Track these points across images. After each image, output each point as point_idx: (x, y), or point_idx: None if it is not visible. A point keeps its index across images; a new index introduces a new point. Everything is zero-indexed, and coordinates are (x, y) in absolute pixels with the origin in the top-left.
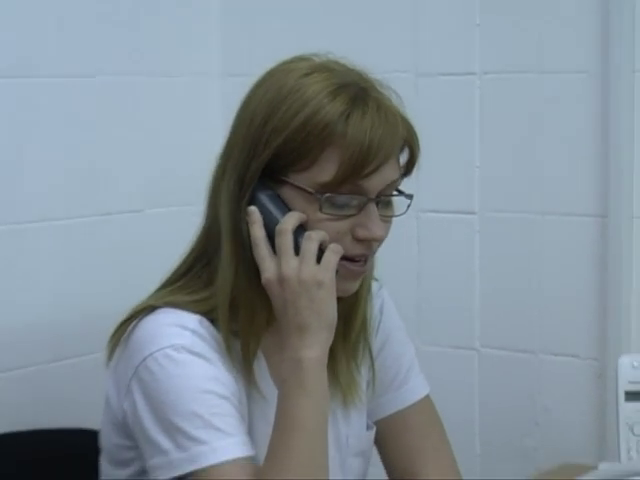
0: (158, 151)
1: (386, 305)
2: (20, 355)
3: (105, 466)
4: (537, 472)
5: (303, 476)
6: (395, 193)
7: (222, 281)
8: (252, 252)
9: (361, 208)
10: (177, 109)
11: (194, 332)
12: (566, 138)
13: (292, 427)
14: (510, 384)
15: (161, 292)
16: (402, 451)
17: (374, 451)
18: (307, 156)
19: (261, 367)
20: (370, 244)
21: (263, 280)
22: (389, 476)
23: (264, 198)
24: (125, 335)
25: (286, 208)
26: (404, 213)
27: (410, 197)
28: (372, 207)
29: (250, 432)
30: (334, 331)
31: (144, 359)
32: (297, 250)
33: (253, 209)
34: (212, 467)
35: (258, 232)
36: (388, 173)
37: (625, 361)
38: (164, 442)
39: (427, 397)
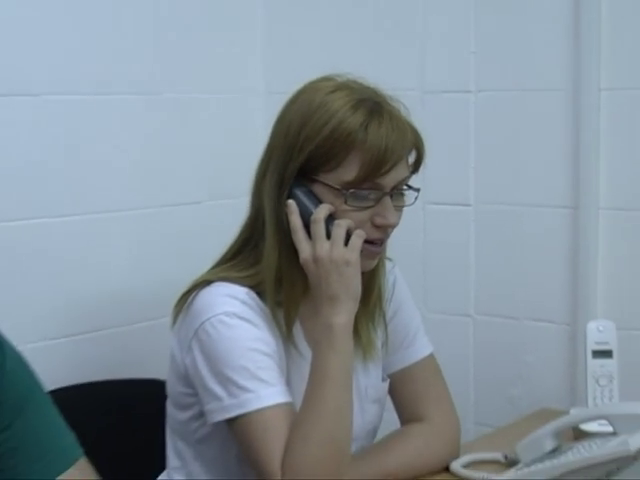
0: (212, 154)
1: (398, 281)
2: (104, 319)
3: (170, 409)
4: (520, 416)
5: (332, 419)
6: (405, 187)
7: (267, 261)
8: (291, 237)
9: (378, 200)
10: (227, 121)
11: (243, 301)
12: (545, 143)
13: (324, 379)
14: (499, 344)
15: (215, 269)
16: (410, 398)
17: (387, 399)
18: (334, 159)
19: (297, 330)
20: (386, 230)
21: (301, 260)
22: (400, 419)
23: (300, 193)
24: (186, 304)
25: (318, 201)
26: (413, 203)
27: (418, 190)
28: (387, 200)
29: (287, 384)
30: (359, 301)
31: (202, 323)
32: (328, 235)
33: (291, 202)
34: (257, 411)
35: (296, 221)
36: (400, 172)
37: (592, 326)
38: (218, 390)
39: (431, 355)
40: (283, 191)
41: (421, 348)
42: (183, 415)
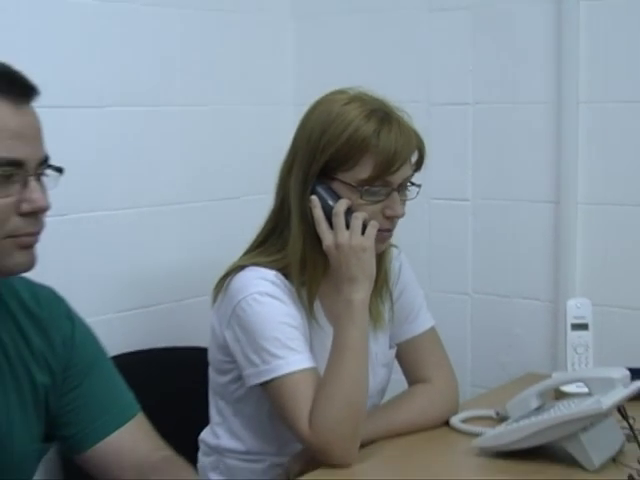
0: (249, 157)
1: (404, 266)
2: (158, 296)
3: (212, 374)
4: (510, 379)
5: (352, 382)
6: (410, 184)
7: (293, 247)
8: (315, 227)
9: (388, 195)
10: (262, 128)
11: (272, 282)
12: (531, 148)
13: (344, 348)
14: (492, 319)
15: (246, 256)
16: (415, 364)
17: (395, 363)
18: (351, 160)
19: (318, 307)
20: (394, 220)
21: (324, 247)
22: (407, 381)
23: (321, 190)
24: (224, 286)
25: (337, 197)
26: (415, 197)
27: (419, 186)
28: (395, 194)
29: (310, 352)
30: (374, 281)
31: (239, 302)
32: (347, 225)
33: (315, 198)
34: (287, 375)
35: (319, 213)
36: (406, 170)
37: (571, 303)
38: (254, 358)
39: (432, 328)
40: (307, 188)
41: (424, 322)
42: (223, 379)
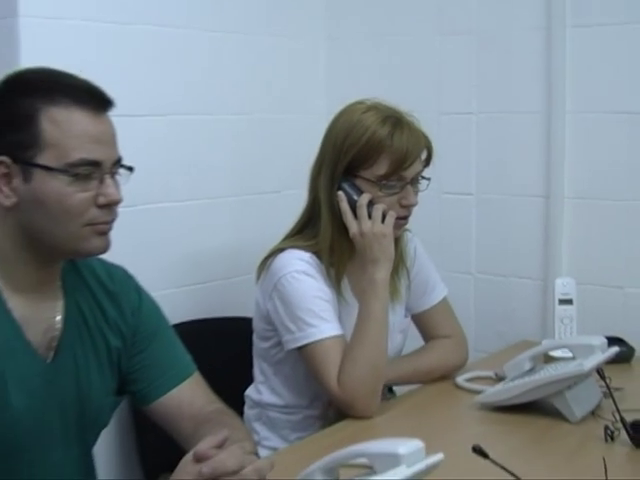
0: (287, 158)
1: (418, 249)
2: (211, 274)
3: (255, 340)
4: (506, 345)
5: (373, 347)
6: (421, 177)
7: (324, 235)
8: (342, 218)
9: (402, 188)
10: (298, 134)
11: (307, 262)
12: (525, 150)
13: (368, 319)
14: (492, 294)
15: (285, 241)
16: (433, 326)
17: (410, 332)
18: (370, 160)
19: (345, 285)
20: (409, 208)
21: (351, 234)
22: (425, 341)
23: (346, 186)
24: (266, 265)
25: (360, 191)
26: (426, 189)
27: (429, 179)
28: (409, 187)
29: (339, 323)
30: (392, 262)
31: (279, 278)
32: (369, 216)
33: (341, 193)
34: (319, 340)
35: (345, 206)
36: (417, 167)
37: (559, 282)
38: (291, 326)
39: (445, 298)
40: (334, 185)
41: (439, 294)
42: (265, 344)
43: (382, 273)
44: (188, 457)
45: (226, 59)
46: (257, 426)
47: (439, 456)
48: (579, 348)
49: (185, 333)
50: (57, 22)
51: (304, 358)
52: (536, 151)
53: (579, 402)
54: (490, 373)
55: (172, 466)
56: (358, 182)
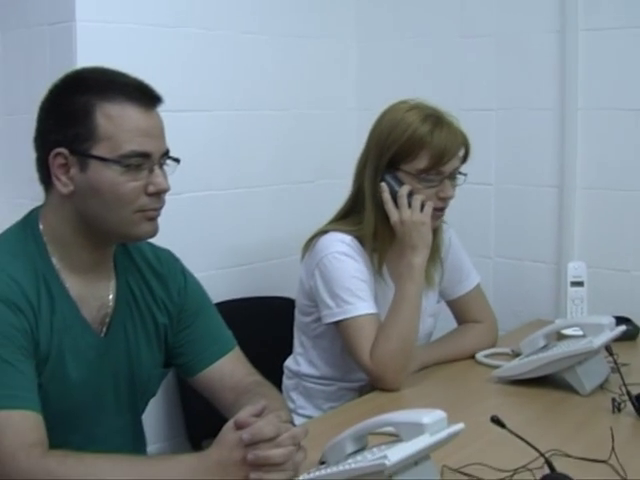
0: (321, 150)
1: (453, 239)
2: (252, 256)
3: (297, 315)
4: (522, 324)
5: (406, 326)
6: (458, 173)
7: (368, 222)
8: (384, 207)
9: (441, 182)
10: (331, 128)
11: (348, 245)
12: (540, 143)
13: (403, 300)
14: (509, 277)
15: (329, 225)
16: (466, 312)
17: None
18: (411, 155)
19: (384, 268)
20: (446, 201)
21: (392, 222)
22: (458, 323)
23: (389, 178)
24: (311, 245)
25: (401, 183)
26: (463, 183)
27: (465, 175)
28: (447, 181)
29: (375, 302)
30: (430, 249)
31: (321, 258)
32: (409, 205)
33: (384, 184)
34: (355, 317)
35: (387, 196)
36: (455, 163)
37: (571, 265)
38: (330, 302)
39: (478, 285)
40: (377, 177)
41: (472, 281)
42: (306, 319)
43: (419, 258)
44: (229, 425)
45: (265, 59)
46: (294, 395)
47: (460, 425)
48: (589, 327)
49: (226, 311)
50: (111, 26)
51: (340, 333)
52: (550, 145)
53: (589, 376)
54: (507, 349)
55: (214, 433)
56: (400, 175)
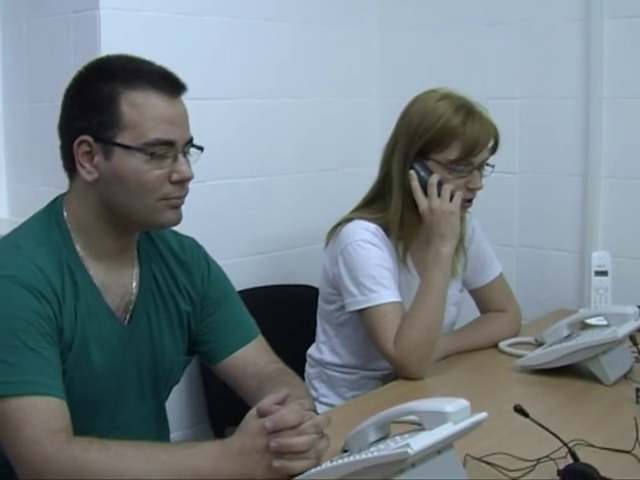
0: (345, 138)
1: (476, 229)
2: (275, 244)
3: (320, 303)
4: (545, 313)
5: (431, 314)
6: (487, 164)
7: (394, 210)
8: (412, 195)
9: (470, 172)
10: (354, 116)
11: (372, 233)
12: (565, 132)
13: (429, 288)
14: (532, 266)
15: (354, 212)
16: (490, 301)
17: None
18: (442, 145)
19: (408, 258)
20: (474, 192)
21: (421, 210)
22: (481, 312)
23: (418, 167)
24: (335, 233)
25: (430, 172)
26: (491, 174)
27: (493, 166)
28: (476, 172)
29: (399, 291)
30: (458, 238)
31: (346, 246)
32: (438, 194)
33: (413, 173)
34: (379, 305)
35: (416, 184)
36: (485, 154)
37: (595, 255)
38: (354, 290)
39: (501, 274)
40: (406, 165)
41: (495, 270)
42: (329, 307)
43: (447, 248)
44: (252, 412)
45: (288, 47)
46: (316, 383)
47: (483, 414)
48: (613, 316)
49: (249, 299)
50: (134, 14)
51: (364, 321)
52: (574, 133)
53: (613, 366)
54: (530, 339)
55: (237, 420)
56: (429, 164)
